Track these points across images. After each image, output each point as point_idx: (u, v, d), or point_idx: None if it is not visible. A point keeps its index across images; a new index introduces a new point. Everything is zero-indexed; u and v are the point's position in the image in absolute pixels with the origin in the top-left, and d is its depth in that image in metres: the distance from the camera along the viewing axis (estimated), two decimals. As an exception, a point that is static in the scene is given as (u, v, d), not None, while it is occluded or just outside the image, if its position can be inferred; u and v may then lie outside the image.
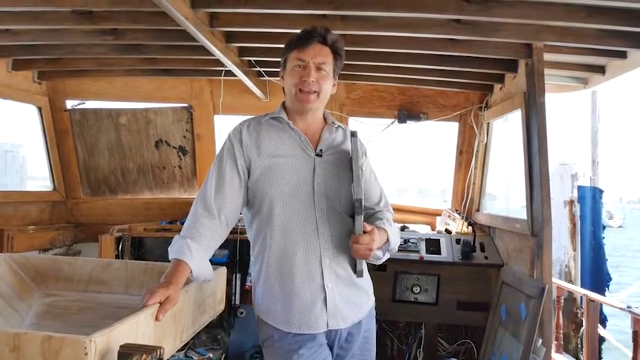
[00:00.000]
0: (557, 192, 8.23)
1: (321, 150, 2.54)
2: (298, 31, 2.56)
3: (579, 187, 8.15)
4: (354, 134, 2.58)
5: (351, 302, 2.52)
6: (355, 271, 2.48)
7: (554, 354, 4.88)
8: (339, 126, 2.68)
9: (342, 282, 2.49)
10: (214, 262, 2.44)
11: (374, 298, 2.71)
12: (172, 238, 2.36)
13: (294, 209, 2.45)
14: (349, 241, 2.39)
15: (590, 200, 8.15)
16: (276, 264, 2.46)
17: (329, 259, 2.45)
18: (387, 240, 2.54)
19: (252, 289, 2.67)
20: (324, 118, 2.66)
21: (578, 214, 7.95)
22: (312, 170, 2.49)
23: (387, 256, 2.60)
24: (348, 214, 2.51)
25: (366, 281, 2.64)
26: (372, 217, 2.66)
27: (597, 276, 7.81)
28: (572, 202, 8.01)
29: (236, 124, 2.60)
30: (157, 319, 1.94)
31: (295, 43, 2.50)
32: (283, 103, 2.62)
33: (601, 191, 8.31)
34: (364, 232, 2.36)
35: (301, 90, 2.46)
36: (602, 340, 6.61)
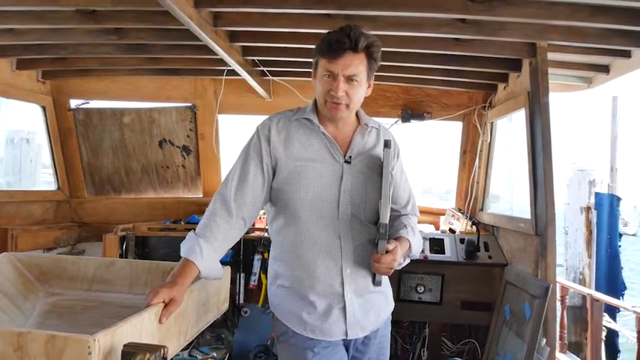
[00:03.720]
0: (574, 198, 8.24)
1: (350, 157, 2.47)
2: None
3: (597, 194, 8.14)
4: (387, 144, 2.42)
5: (370, 311, 2.50)
6: (374, 282, 2.45)
7: (558, 354, 4.89)
8: (372, 127, 2.60)
9: (362, 291, 2.46)
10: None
11: (393, 304, 2.69)
12: (176, 237, 2.36)
13: (317, 216, 2.40)
14: (371, 259, 2.35)
15: (607, 207, 8.13)
16: (295, 269, 2.44)
17: (350, 269, 2.42)
18: (409, 247, 2.52)
19: (267, 286, 2.65)
20: (358, 118, 2.59)
21: (594, 221, 7.93)
22: (340, 177, 2.43)
23: (407, 261, 2.58)
24: (372, 222, 2.47)
25: (386, 286, 2.61)
26: (396, 220, 2.63)
27: (612, 284, 7.79)
28: (588, 208, 8.00)
29: (264, 119, 2.53)
30: (160, 321, 1.94)
31: (324, 52, 2.35)
32: (315, 101, 2.52)
33: (619, 199, 8.28)
34: (386, 252, 2.32)
35: (330, 101, 2.37)
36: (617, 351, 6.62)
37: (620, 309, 5.57)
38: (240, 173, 2.43)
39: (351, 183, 2.44)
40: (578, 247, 8.04)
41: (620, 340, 6.95)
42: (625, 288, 7.84)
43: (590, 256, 7.93)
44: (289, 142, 2.45)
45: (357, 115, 2.58)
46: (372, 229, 2.46)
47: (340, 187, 2.42)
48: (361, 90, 2.42)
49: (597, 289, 7.45)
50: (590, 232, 7.90)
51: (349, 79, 2.34)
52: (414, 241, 2.57)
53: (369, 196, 2.46)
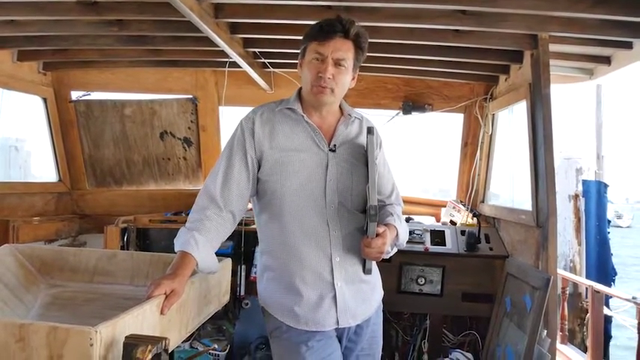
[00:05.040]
0: (562, 186, 8.26)
1: (334, 145, 2.49)
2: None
3: (584, 182, 8.19)
4: (370, 131, 2.48)
5: (360, 299, 2.51)
6: (364, 270, 2.46)
7: (559, 345, 4.90)
8: (355, 117, 2.61)
9: (352, 279, 2.47)
10: (219, 253, 2.43)
11: (382, 292, 2.69)
12: (177, 229, 2.36)
13: (304, 205, 2.41)
14: (361, 244, 2.36)
15: (595, 195, 8.17)
16: (284, 260, 2.44)
17: (339, 257, 2.43)
18: (397, 235, 2.53)
19: (257, 281, 2.66)
20: (341, 109, 2.60)
21: (582, 208, 7.97)
22: (325, 166, 2.45)
23: (395, 250, 2.59)
24: (359, 210, 2.48)
25: (375, 275, 2.63)
26: (382, 209, 2.63)
27: (603, 270, 7.82)
28: (576, 196, 8.04)
29: (248, 112, 2.54)
30: (162, 312, 1.94)
31: (316, 35, 2.41)
32: (299, 92, 2.55)
33: (606, 185, 8.32)
34: (376, 236, 2.33)
35: (317, 85, 2.40)
36: (609, 336, 6.63)
37: (613, 296, 5.58)
38: (225, 168, 2.44)
39: (336, 171, 2.46)
40: (568, 235, 8.09)
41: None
42: (615, 274, 7.88)
43: (579, 244, 7.98)
44: (274, 133, 2.46)
45: (340, 106, 2.60)
46: (359, 217, 2.47)
47: (326, 176, 2.44)
48: (347, 77, 2.46)
49: (588, 276, 7.50)
50: (578, 220, 7.95)
51: (337, 63, 2.38)
52: (401, 230, 2.58)
53: (355, 184, 2.48)
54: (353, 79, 2.53)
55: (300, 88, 2.55)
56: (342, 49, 2.39)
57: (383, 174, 2.68)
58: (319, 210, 2.42)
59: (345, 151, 2.51)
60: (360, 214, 2.48)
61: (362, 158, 2.51)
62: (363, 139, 2.57)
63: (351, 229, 2.46)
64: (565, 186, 8.25)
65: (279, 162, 2.43)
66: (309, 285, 2.41)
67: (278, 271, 2.47)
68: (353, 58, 2.43)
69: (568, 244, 8.13)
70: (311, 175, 2.43)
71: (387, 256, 2.50)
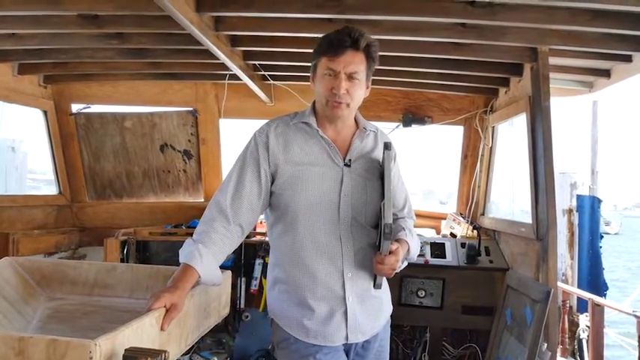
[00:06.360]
0: (556, 201, 8.28)
1: (350, 160, 2.46)
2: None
3: (578, 197, 8.20)
4: (387, 146, 2.45)
5: (370, 315, 2.49)
6: (374, 285, 2.44)
7: (559, 358, 4.88)
8: (370, 131, 2.59)
9: (363, 295, 2.45)
10: (219, 266, 2.41)
11: (391, 308, 2.68)
12: (178, 242, 2.35)
13: (317, 220, 2.39)
14: (374, 260, 2.34)
15: (588, 209, 8.20)
16: (296, 274, 2.42)
17: (351, 272, 2.41)
18: (408, 250, 2.51)
19: (266, 292, 2.64)
20: (356, 122, 2.58)
21: (576, 222, 7.99)
22: (340, 181, 2.42)
23: (405, 264, 2.56)
24: (372, 226, 2.46)
25: (385, 290, 2.62)
26: (394, 223, 2.56)
27: (594, 284, 7.83)
28: (570, 210, 8.05)
29: (262, 125, 2.52)
30: (162, 328, 1.93)
31: (325, 50, 2.36)
32: (313, 105, 2.52)
33: (599, 201, 8.37)
34: (390, 253, 2.30)
35: (332, 100, 2.37)
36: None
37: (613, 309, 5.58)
38: (236, 181, 2.41)
39: (351, 186, 2.43)
40: (561, 249, 8.10)
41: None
42: (607, 288, 7.91)
43: (572, 258, 7.98)
44: (288, 146, 2.43)
45: (355, 118, 2.58)
46: (372, 232, 2.45)
47: (340, 191, 2.41)
48: (361, 90, 2.43)
49: (580, 289, 7.51)
50: (572, 234, 7.96)
51: (350, 77, 2.35)
52: (413, 244, 2.55)
53: (369, 198, 2.45)
54: (367, 87, 2.50)
55: (314, 102, 2.52)
56: (354, 63, 2.35)
57: (397, 187, 2.64)
58: (332, 225, 2.40)
59: (360, 166, 2.49)
60: (373, 229, 2.46)
61: (377, 173, 2.50)
62: (378, 153, 2.55)
63: (363, 245, 2.44)
64: (559, 200, 8.27)
65: (293, 176, 2.40)
66: (321, 300, 2.40)
67: (289, 285, 2.45)
68: (365, 69, 2.40)
69: (561, 257, 8.15)
70: (325, 190, 2.40)
71: (397, 271, 2.48)
